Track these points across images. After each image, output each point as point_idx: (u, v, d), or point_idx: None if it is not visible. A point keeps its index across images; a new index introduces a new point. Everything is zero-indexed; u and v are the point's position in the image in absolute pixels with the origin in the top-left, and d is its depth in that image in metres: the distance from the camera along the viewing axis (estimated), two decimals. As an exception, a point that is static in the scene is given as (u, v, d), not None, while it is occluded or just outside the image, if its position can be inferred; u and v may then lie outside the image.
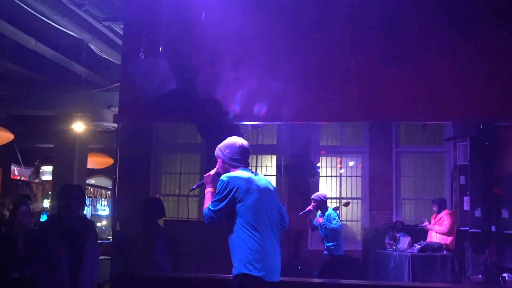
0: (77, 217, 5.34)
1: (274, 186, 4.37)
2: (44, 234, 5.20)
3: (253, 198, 4.00)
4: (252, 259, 3.88)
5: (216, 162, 4.34)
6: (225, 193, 3.99)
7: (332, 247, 8.31)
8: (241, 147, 4.24)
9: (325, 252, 8.50)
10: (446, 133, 10.68)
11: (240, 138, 4.33)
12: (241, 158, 4.22)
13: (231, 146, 4.25)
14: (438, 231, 8.91)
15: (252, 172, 4.22)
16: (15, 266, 5.43)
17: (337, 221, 8.33)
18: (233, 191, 3.98)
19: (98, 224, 14.77)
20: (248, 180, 4.06)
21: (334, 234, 8.32)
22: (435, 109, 5.55)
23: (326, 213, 8.42)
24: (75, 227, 5.18)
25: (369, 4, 5.74)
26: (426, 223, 9.34)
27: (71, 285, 5.05)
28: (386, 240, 9.48)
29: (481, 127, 8.41)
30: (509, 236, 8.25)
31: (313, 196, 8.61)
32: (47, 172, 14.13)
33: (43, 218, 11.44)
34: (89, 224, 5.56)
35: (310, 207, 8.46)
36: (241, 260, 3.92)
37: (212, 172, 4.30)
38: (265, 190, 4.14)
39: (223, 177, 4.08)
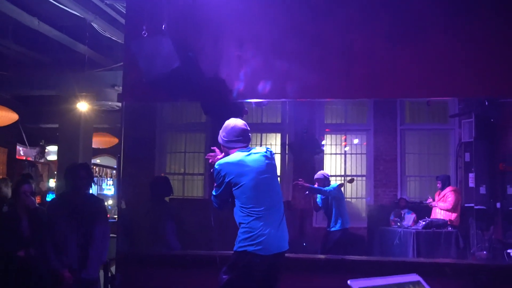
0: (85, 196, 5.34)
1: (271, 152, 4.39)
2: (52, 213, 5.22)
3: (247, 179, 4.13)
4: (249, 237, 4.06)
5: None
6: (220, 180, 4.20)
7: (334, 223, 8.34)
8: (235, 128, 4.32)
9: (328, 228, 8.54)
10: (451, 111, 10.65)
11: (236, 119, 4.39)
12: (237, 139, 4.30)
13: (226, 129, 4.35)
14: (442, 207, 8.92)
15: (247, 150, 4.29)
16: (20, 246, 5.45)
17: (331, 187, 8.35)
18: (226, 178, 4.16)
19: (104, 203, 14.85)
20: (239, 164, 4.18)
21: (336, 203, 8.32)
22: (440, 85, 5.53)
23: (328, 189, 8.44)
24: (83, 206, 5.18)
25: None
26: (430, 200, 9.35)
27: (79, 264, 5.07)
28: (391, 218, 9.51)
29: (486, 103, 8.36)
30: (514, 212, 8.26)
31: (317, 176, 8.61)
32: (52, 152, 14.19)
33: (49, 197, 11.52)
34: (98, 202, 5.54)
35: (315, 186, 8.47)
36: (239, 237, 4.12)
37: (220, 156, 4.40)
38: (260, 167, 4.21)
39: (216, 164, 4.24)
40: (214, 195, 4.30)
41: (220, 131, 4.38)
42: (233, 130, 4.31)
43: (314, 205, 8.72)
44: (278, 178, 4.57)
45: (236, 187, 4.14)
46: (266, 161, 4.28)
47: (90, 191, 5.62)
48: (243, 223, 4.11)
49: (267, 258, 4.05)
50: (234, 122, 4.35)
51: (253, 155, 4.28)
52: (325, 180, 8.51)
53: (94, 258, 5.13)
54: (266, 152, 4.36)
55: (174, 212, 6.61)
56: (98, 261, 5.21)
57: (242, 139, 4.31)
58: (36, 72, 10.20)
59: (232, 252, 4.15)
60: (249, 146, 4.40)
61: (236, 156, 4.24)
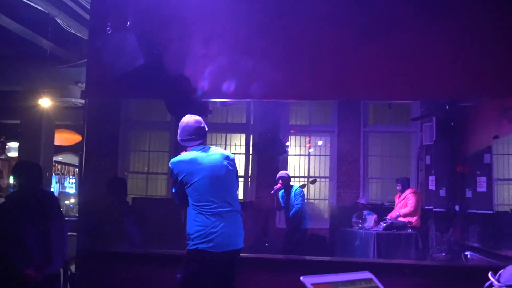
0: (38, 193, 5.25)
1: (232, 158, 4.42)
2: (6, 212, 5.11)
3: (199, 177, 4.15)
4: (200, 235, 4.09)
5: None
6: (174, 178, 4.26)
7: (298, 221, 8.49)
8: (187, 126, 4.32)
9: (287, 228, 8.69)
10: (413, 114, 10.81)
11: (190, 116, 4.38)
12: (190, 137, 4.31)
13: (180, 127, 4.37)
14: (404, 213, 9.00)
15: (203, 148, 4.30)
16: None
17: (299, 201, 8.50)
18: (179, 176, 4.20)
19: (66, 202, 14.64)
20: (192, 161, 4.20)
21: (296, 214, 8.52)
22: (403, 88, 5.63)
23: (292, 190, 8.57)
24: (37, 203, 5.10)
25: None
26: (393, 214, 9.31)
27: (43, 260, 4.99)
28: (353, 219, 9.61)
29: (447, 107, 8.53)
30: (472, 215, 8.42)
31: (281, 174, 8.74)
32: (13, 148, 13.90)
33: (9, 195, 11.29)
34: (52, 199, 5.45)
35: (278, 185, 8.57)
36: (191, 236, 4.14)
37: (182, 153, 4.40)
38: (215, 166, 4.23)
39: (170, 163, 4.29)
40: (173, 192, 4.36)
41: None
42: (185, 128, 4.32)
43: (277, 204, 8.83)
44: (238, 179, 4.55)
45: (188, 185, 4.17)
46: (224, 162, 4.29)
47: (52, 189, 5.53)
48: (195, 221, 4.12)
49: (219, 255, 4.07)
50: (187, 120, 4.35)
51: (211, 153, 4.29)
52: (288, 179, 8.66)
53: (56, 253, 5.07)
54: (227, 154, 4.39)
55: (133, 210, 6.57)
56: (60, 254, 5.15)
57: (195, 137, 4.31)
58: (-3, 66, 9.99)
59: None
60: (207, 144, 4.41)
61: (190, 153, 4.27)
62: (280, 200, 8.76)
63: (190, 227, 4.16)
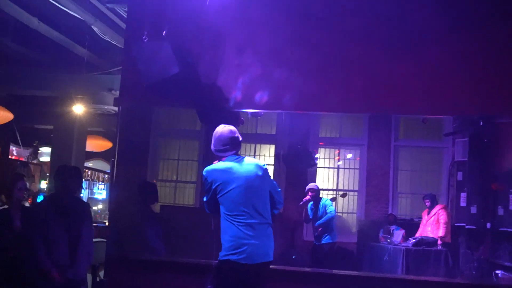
0: (73, 198, 5.35)
1: (265, 168, 4.38)
2: (42, 214, 5.20)
3: (233, 187, 4.14)
4: (231, 246, 4.06)
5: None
6: (207, 187, 4.24)
7: (326, 235, 8.44)
8: (222, 136, 4.30)
9: (316, 242, 8.63)
10: (446, 129, 10.68)
11: (224, 126, 4.36)
12: (225, 147, 4.30)
13: (214, 137, 4.35)
14: (443, 233, 8.81)
15: (237, 158, 4.29)
16: (12, 245, 5.42)
17: (332, 209, 8.45)
18: (212, 184, 4.18)
19: (94, 207, 14.80)
20: (226, 171, 4.19)
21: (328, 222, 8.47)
22: (436, 103, 5.56)
23: (321, 203, 8.54)
24: (71, 207, 5.19)
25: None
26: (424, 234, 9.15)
27: (69, 264, 5.06)
28: (380, 234, 9.52)
29: (481, 123, 8.40)
30: (504, 233, 8.27)
31: (311, 186, 8.73)
32: (45, 153, 14.13)
33: (40, 199, 11.47)
34: (85, 206, 5.58)
35: (308, 197, 8.55)
36: (223, 246, 4.12)
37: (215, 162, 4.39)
38: (249, 176, 4.21)
39: (204, 171, 4.26)
40: (204, 201, 4.33)
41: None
42: (219, 138, 4.31)
43: (305, 217, 8.79)
44: (277, 188, 4.52)
45: (221, 194, 4.15)
46: (258, 172, 4.27)
47: (81, 195, 5.62)
48: (227, 231, 4.11)
49: (250, 267, 4.04)
50: (221, 130, 4.34)
51: (245, 163, 4.28)
52: (318, 191, 8.65)
53: (83, 259, 5.14)
54: (261, 164, 4.37)
55: (158, 218, 6.57)
56: (86, 261, 5.23)
57: (229, 147, 4.30)
58: (34, 72, 10.17)
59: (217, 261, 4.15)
60: (240, 154, 4.38)
61: (225, 163, 4.26)
62: (309, 212, 8.72)
63: (222, 237, 4.14)
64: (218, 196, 4.17)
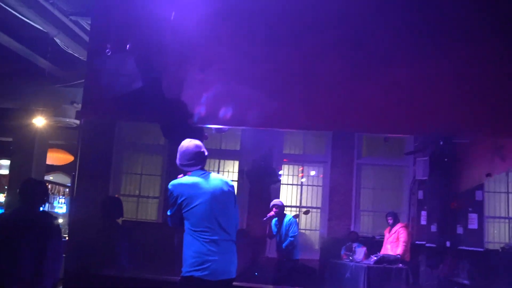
0: (39, 213, 5.21)
1: (231, 185, 4.37)
2: (4, 229, 5.05)
3: (198, 202, 4.10)
4: (195, 262, 4.02)
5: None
6: (172, 201, 4.17)
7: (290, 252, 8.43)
8: (187, 151, 4.28)
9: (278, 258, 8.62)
10: (407, 148, 10.83)
11: (190, 141, 4.34)
12: (190, 162, 4.27)
13: (179, 152, 4.32)
14: (402, 251, 8.90)
15: (203, 174, 4.26)
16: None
17: (294, 230, 8.46)
18: (178, 199, 4.13)
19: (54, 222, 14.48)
20: (192, 185, 4.16)
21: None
22: (398, 122, 5.64)
23: (286, 219, 8.53)
24: (36, 223, 5.05)
25: (337, 19, 5.81)
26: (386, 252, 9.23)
27: (33, 281, 4.92)
28: (342, 252, 9.55)
29: (441, 143, 8.55)
30: (463, 252, 8.39)
31: (275, 202, 8.71)
32: (4, 165, 13.80)
33: (-2, 212, 11.18)
34: (50, 219, 5.39)
35: (272, 213, 8.53)
36: (185, 262, 4.08)
37: (180, 176, 4.36)
38: (215, 192, 4.19)
39: (169, 185, 4.21)
40: (168, 215, 4.26)
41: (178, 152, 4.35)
42: (185, 153, 4.28)
43: (269, 232, 8.77)
44: (237, 206, 4.48)
45: (186, 209, 4.11)
46: (224, 188, 4.25)
47: (41, 209, 5.47)
48: (190, 247, 4.07)
49: (213, 284, 4.01)
50: (187, 144, 4.31)
51: (211, 178, 4.26)
52: (282, 207, 8.63)
53: (46, 275, 4.99)
54: (227, 180, 4.37)
55: (126, 233, 6.47)
56: (50, 277, 5.07)
57: (194, 162, 4.27)
58: (-7, 83, 9.97)
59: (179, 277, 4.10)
60: (205, 169, 4.35)
61: (191, 178, 4.23)
62: (273, 228, 8.70)
63: (185, 253, 4.10)
64: (183, 211, 4.12)
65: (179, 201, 4.12)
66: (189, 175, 4.26)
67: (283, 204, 8.79)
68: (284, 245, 8.47)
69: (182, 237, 4.20)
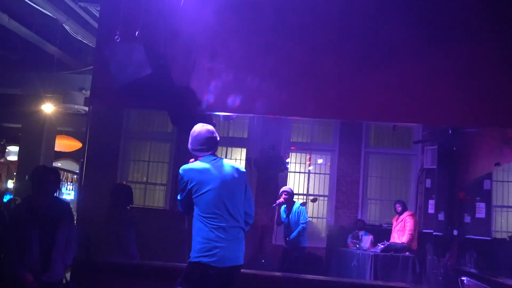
0: (51, 199, 5.21)
1: (243, 171, 4.34)
2: (16, 216, 5.08)
3: (208, 188, 4.08)
4: (203, 248, 4.02)
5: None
6: (182, 185, 4.15)
7: (298, 239, 8.46)
8: (199, 136, 4.25)
9: (287, 246, 8.65)
10: (415, 137, 10.82)
11: (202, 125, 4.31)
12: (202, 147, 4.25)
13: (191, 136, 4.29)
14: (408, 240, 8.90)
15: (215, 159, 4.24)
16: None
17: (305, 218, 8.51)
18: (188, 184, 4.11)
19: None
20: (203, 171, 4.14)
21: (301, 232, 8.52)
22: (406, 111, 5.62)
23: (294, 207, 8.56)
24: (49, 209, 5.06)
25: (347, 8, 5.79)
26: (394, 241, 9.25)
27: (42, 267, 4.95)
28: (349, 240, 9.58)
29: (450, 132, 8.53)
30: (470, 240, 8.39)
31: (285, 188, 8.78)
32: (13, 152, 13.90)
33: (6, 198, 11.27)
34: (64, 206, 5.39)
35: (281, 199, 8.57)
36: (194, 248, 4.08)
37: (191, 160, 4.34)
38: (225, 178, 4.17)
39: (180, 169, 4.18)
40: (178, 200, 4.25)
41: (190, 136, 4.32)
42: (196, 138, 4.25)
43: (277, 219, 8.80)
44: (250, 192, 4.45)
45: (196, 195, 4.09)
46: (235, 174, 4.23)
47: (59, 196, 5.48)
48: (199, 233, 4.07)
49: (221, 270, 4.01)
50: (199, 129, 4.28)
51: (223, 164, 4.23)
52: (292, 194, 8.70)
53: (56, 261, 5.01)
54: (238, 166, 4.33)
55: (134, 221, 6.49)
56: (61, 264, 5.08)
57: (206, 148, 4.25)
58: (2, 69, 10.00)
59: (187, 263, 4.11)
60: (216, 155, 4.32)
61: (202, 163, 4.20)
62: (282, 214, 8.74)
63: (194, 238, 4.10)
64: (193, 197, 4.10)
65: (189, 186, 4.10)
66: (200, 160, 4.24)
67: (292, 191, 8.86)
68: (295, 232, 8.51)
69: (191, 224, 4.21)
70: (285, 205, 8.67)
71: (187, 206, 4.20)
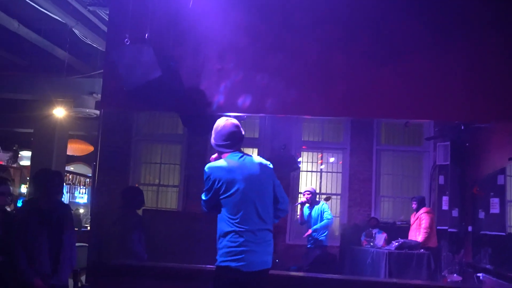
0: (55, 203, 5.25)
1: (270, 168, 4.15)
2: (22, 220, 5.10)
3: (236, 189, 3.87)
4: (231, 252, 3.83)
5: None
6: (209, 185, 3.93)
7: (323, 237, 8.62)
8: (223, 130, 4.03)
9: (309, 245, 8.68)
10: (426, 134, 10.76)
11: (227, 119, 4.09)
12: (226, 143, 4.03)
13: (215, 131, 4.08)
14: (423, 238, 8.83)
15: (242, 157, 4.03)
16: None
17: (329, 214, 8.74)
18: (215, 183, 3.89)
19: (75, 212, 14.66)
20: (231, 170, 3.92)
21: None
22: (418, 108, 5.58)
23: (318, 206, 8.64)
24: (53, 212, 5.10)
25: (356, 4, 5.75)
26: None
27: (51, 271, 4.98)
28: (362, 238, 9.54)
29: (462, 128, 8.47)
30: (485, 236, 8.33)
31: (309, 189, 8.88)
32: (25, 157, 14.00)
33: (20, 203, 11.34)
34: (66, 209, 5.45)
35: (304, 199, 8.69)
36: (220, 251, 3.90)
37: (214, 156, 4.18)
38: (255, 178, 3.97)
39: (206, 167, 3.97)
40: (203, 199, 4.03)
41: (213, 131, 4.13)
42: (221, 133, 4.04)
43: (300, 218, 8.88)
44: (281, 188, 4.24)
45: (225, 195, 3.88)
46: (263, 173, 4.04)
47: (62, 199, 5.52)
48: (226, 235, 3.87)
49: (250, 274, 3.84)
50: (223, 123, 4.06)
51: (250, 162, 4.04)
52: (315, 195, 8.96)
53: (65, 264, 5.05)
54: (266, 163, 4.14)
55: (140, 223, 6.49)
56: (68, 267, 5.13)
57: (230, 143, 4.02)
58: (13, 75, 10.06)
59: (214, 266, 3.95)
60: (243, 151, 4.12)
61: (228, 161, 3.98)
62: (305, 214, 8.82)
63: (219, 241, 3.92)
64: (221, 196, 3.89)
65: (216, 186, 3.88)
66: (225, 158, 4.02)
67: (315, 191, 9.03)
68: (320, 224, 8.59)
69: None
70: (308, 205, 8.74)
71: (213, 207, 3.98)
